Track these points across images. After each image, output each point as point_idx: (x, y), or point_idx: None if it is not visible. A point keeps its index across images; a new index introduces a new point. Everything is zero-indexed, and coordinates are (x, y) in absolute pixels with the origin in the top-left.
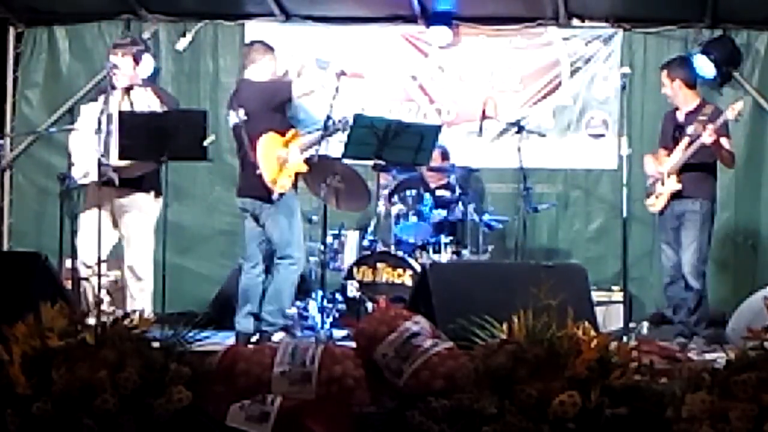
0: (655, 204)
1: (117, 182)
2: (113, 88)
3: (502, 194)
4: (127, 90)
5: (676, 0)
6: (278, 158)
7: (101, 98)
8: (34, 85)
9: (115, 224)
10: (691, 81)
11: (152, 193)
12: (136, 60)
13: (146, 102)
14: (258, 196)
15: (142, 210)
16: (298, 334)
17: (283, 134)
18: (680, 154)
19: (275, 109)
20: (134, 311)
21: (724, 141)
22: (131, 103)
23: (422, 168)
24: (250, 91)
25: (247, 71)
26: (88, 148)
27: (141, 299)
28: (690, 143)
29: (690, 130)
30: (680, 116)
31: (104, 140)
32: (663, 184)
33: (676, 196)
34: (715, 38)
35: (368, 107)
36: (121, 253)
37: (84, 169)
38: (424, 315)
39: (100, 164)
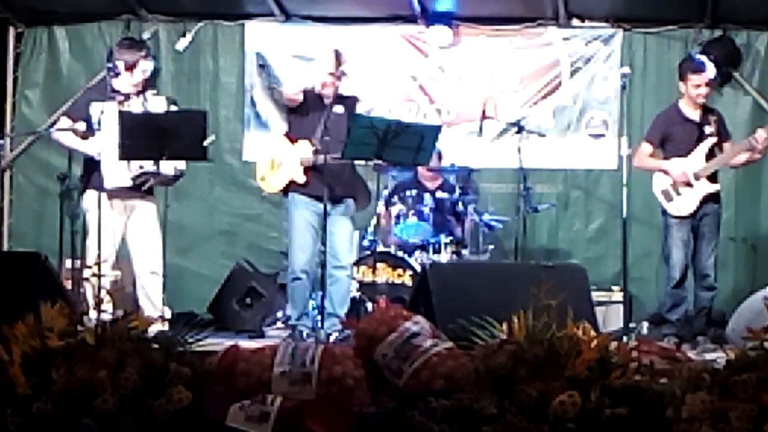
0: (684, 208)
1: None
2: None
3: (502, 194)
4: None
5: (676, 0)
6: None
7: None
8: (34, 85)
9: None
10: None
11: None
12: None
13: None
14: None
15: (154, 213)
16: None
17: None
18: (703, 155)
19: None
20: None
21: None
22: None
23: (420, 169)
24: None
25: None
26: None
27: (158, 298)
28: (716, 145)
29: (708, 130)
30: (694, 116)
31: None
32: (692, 186)
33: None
34: (715, 38)
35: (368, 107)
36: (125, 254)
37: (116, 173)
38: (424, 315)
39: (140, 170)
